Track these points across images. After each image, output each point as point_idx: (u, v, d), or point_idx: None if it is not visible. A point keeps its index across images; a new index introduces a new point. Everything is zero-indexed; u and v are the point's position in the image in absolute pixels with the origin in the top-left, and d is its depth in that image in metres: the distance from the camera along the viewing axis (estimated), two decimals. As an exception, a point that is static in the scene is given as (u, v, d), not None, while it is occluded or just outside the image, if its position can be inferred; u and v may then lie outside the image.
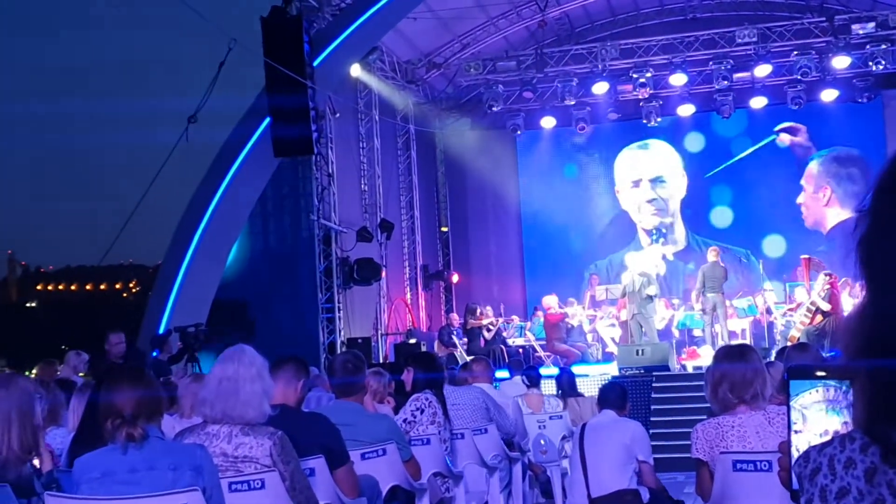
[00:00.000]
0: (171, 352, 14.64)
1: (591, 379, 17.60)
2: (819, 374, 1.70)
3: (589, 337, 22.35)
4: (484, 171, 25.26)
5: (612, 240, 24.87)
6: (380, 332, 22.40)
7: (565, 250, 24.97)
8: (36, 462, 4.90)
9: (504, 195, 25.59)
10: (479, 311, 21.76)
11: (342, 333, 20.08)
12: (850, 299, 17.97)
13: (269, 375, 5.29)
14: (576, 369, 16.35)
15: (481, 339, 21.31)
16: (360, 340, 19.84)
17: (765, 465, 5.02)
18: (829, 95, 22.92)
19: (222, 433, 5.06)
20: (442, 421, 7.79)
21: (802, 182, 23.98)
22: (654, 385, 17.81)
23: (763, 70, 22.34)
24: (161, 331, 16.25)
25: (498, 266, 26.01)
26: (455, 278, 25.97)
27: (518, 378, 12.62)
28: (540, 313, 22.50)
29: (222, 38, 16.35)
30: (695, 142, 24.77)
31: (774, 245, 23.97)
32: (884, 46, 21.36)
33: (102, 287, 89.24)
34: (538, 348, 21.74)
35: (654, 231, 24.42)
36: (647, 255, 23.25)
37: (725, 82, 22.45)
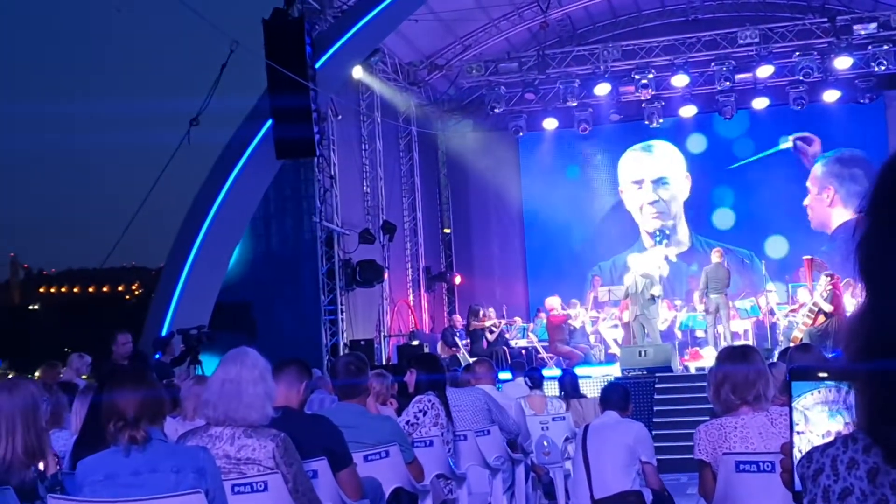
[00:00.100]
0: (174, 354, 14.63)
1: (594, 380, 17.59)
2: (821, 375, 1.70)
3: (591, 338, 22.34)
4: (486, 172, 25.26)
5: (615, 241, 24.86)
6: (382, 333, 22.41)
7: (568, 252, 24.96)
8: (40, 465, 4.89)
9: (506, 197, 25.59)
10: (481, 312, 21.75)
11: (345, 335, 20.09)
12: (853, 300, 17.96)
13: (272, 378, 5.29)
14: (578, 371, 16.34)
15: (484, 340, 21.31)
16: (362, 342, 19.84)
17: (767, 466, 5.02)
18: (831, 96, 22.92)
19: (225, 435, 5.06)
20: (445, 423, 7.79)
21: (808, 184, 23.99)
22: (656, 386, 17.81)
23: (765, 71, 22.34)
24: (163, 333, 16.25)
25: (500, 267, 26.01)
26: (457, 280, 25.96)
27: (521, 379, 12.62)
28: (542, 315, 22.49)
29: (224, 39, 16.37)
30: (697, 143, 24.77)
31: (777, 246, 23.96)
32: (886, 47, 21.37)
33: (105, 289, 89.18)
34: (541, 350, 21.74)
35: (657, 233, 24.41)
36: (650, 256, 23.24)
37: (727, 83, 22.46)
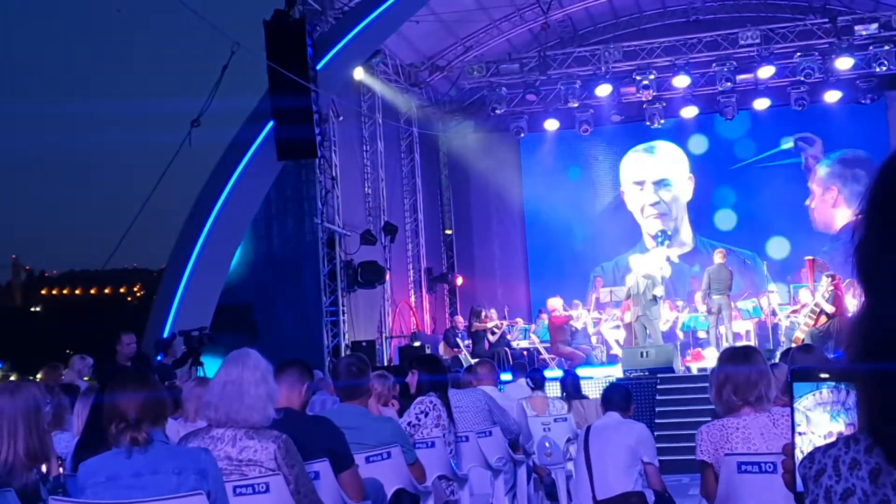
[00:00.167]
0: (176, 356, 14.63)
1: (596, 381, 17.58)
2: (822, 376, 1.70)
3: (593, 339, 22.34)
4: (487, 173, 25.26)
5: (616, 242, 24.84)
6: (384, 335, 22.41)
7: (569, 252, 24.96)
8: (43, 468, 4.89)
9: (508, 197, 25.58)
10: (483, 313, 21.76)
11: (346, 336, 20.09)
12: (854, 301, 17.95)
13: (274, 379, 5.29)
14: (580, 371, 16.34)
15: (486, 341, 21.32)
16: (364, 343, 19.85)
17: (769, 467, 5.02)
18: (832, 97, 22.93)
19: (227, 437, 5.06)
20: (446, 424, 7.79)
21: (812, 186, 23.98)
22: (658, 387, 17.81)
23: (766, 71, 22.34)
24: (165, 335, 16.24)
25: (502, 268, 26.01)
26: (459, 281, 25.96)
27: (522, 380, 12.61)
28: (544, 316, 22.49)
29: (225, 41, 16.37)
30: (698, 144, 24.77)
31: (778, 247, 23.96)
32: (887, 48, 21.36)
33: (106, 291, 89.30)
34: (542, 351, 21.74)
35: (659, 234, 24.40)
36: (652, 257, 23.23)
37: (728, 84, 22.45)
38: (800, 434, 1.71)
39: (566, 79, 23.00)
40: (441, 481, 7.67)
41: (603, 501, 7.33)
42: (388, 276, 21.87)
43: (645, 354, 18.89)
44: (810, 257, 20.75)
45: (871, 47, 21.54)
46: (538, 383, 12.10)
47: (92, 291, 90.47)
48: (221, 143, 18.66)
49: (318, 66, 18.10)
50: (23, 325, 65.67)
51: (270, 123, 17.77)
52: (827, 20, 21.84)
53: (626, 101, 23.71)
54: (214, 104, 17.09)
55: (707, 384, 5.67)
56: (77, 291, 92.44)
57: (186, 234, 18.09)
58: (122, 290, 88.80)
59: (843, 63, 21.79)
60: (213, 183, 18.21)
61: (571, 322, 21.79)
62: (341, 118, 20.39)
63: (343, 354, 18.38)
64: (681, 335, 21.72)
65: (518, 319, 23.26)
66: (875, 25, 21.19)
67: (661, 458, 7.98)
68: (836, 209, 23.61)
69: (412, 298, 24.69)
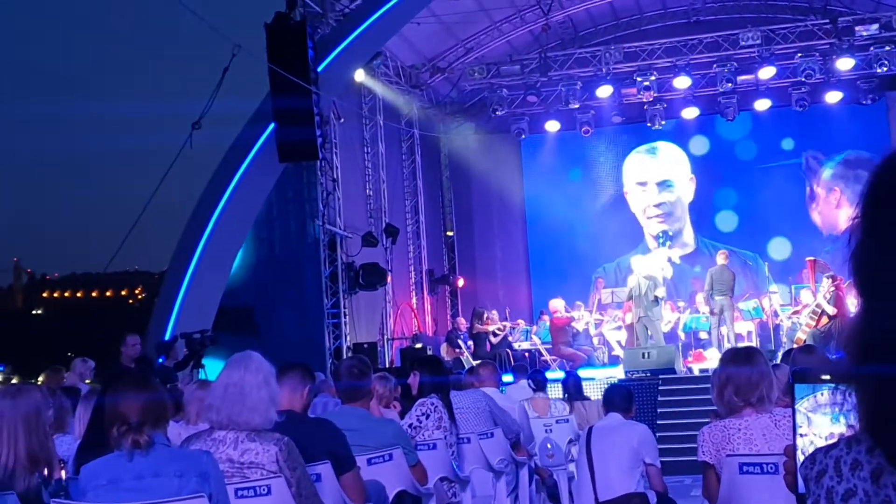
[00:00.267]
0: (177, 358, 14.63)
1: (598, 382, 17.58)
2: (824, 377, 1.70)
3: (595, 340, 22.34)
4: (489, 175, 25.26)
5: (618, 243, 24.82)
6: (386, 336, 22.40)
7: (571, 254, 24.93)
8: (45, 471, 4.89)
9: (509, 199, 25.58)
10: (485, 315, 21.76)
11: (348, 338, 20.09)
12: (856, 302, 17.95)
13: (276, 381, 5.29)
14: (582, 373, 16.33)
15: (487, 343, 21.32)
16: (365, 345, 19.83)
17: (771, 468, 5.01)
18: (833, 97, 22.94)
19: (228, 439, 5.06)
20: (448, 425, 7.79)
21: (817, 189, 23.94)
22: (660, 388, 17.81)
23: (767, 72, 22.34)
24: (167, 337, 16.24)
25: (503, 270, 26.00)
26: (461, 282, 25.95)
27: (524, 382, 12.60)
28: (546, 317, 22.49)
29: (226, 43, 16.38)
30: (699, 144, 24.76)
31: (779, 248, 23.95)
32: (887, 48, 21.35)
33: (108, 294, 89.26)
34: (544, 352, 21.74)
35: (661, 234, 24.38)
36: (654, 258, 23.22)
37: (729, 85, 22.44)
38: (801, 435, 1.71)
39: (567, 80, 23.00)
40: (443, 483, 7.67)
41: (605, 502, 7.32)
42: (389, 278, 21.86)
43: (646, 355, 18.89)
44: (811, 258, 20.76)
45: (871, 48, 21.54)
46: (540, 385, 12.10)
47: (93, 294, 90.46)
48: (223, 145, 18.69)
49: (319, 68, 18.10)
50: (24, 328, 65.66)
51: (271, 125, 17.77)
52: (827, 21, 21.84)
53: (627, 102, 23.70)
54: (216, 106, 17.12)
55: (709, 385, 5.67)
56: (78, 294, 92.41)
57: (188, 237, 18.09)
58: (123, 293, 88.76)
59: (844, 64, 21.79)
60: (215, 185, 18.21)
61: (573, 323, 21.79)
62: (342, 120, 20.38)
63: (344, 356, 18.37)
64: (682, 336, 21.71)
65: (520, 321, 23.27)
66: (876, 26, 21.19)
67: (663, 459, 7.98)
68: (839, 210, 23.59)
69: (413, 300, 24.68)
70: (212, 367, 13.85)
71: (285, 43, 17.37)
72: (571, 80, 23.00)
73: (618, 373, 19.33)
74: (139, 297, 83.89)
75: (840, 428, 1.67)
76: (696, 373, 19.48)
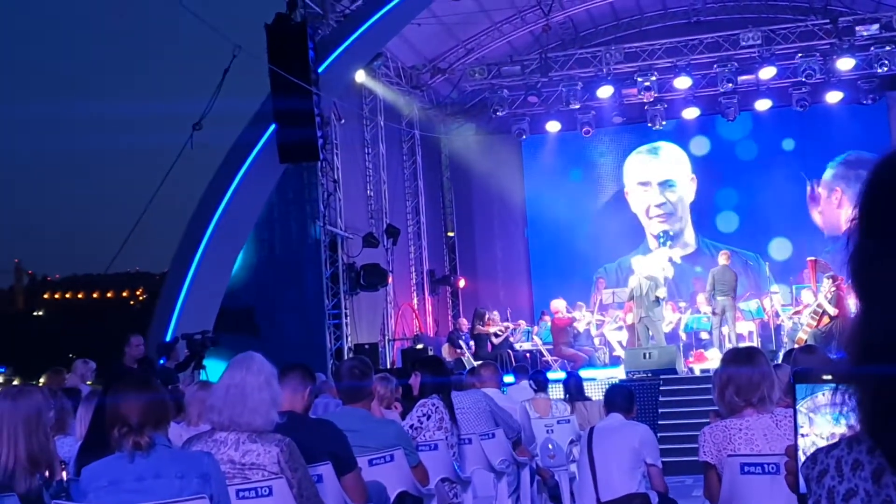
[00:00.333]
0: (178, 359, 14.63)
1: (599, 383, 17.59)
2: (825, 378, 1.70)
3: (596, 341, 22.33)
4: (489, 175, 25.25)
5: (619, 243, 24.80)
6: (387, 337, 22.40)
7: (572, 254, 24.91)
8: (45, 472, 4.90)
9: (510, 199, 25.57)
10: (486, 316, 21.76)
11: (349, 339, 20.07)
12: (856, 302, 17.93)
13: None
14: (583, 373, 16.33)
15: (488, 343, 21.31)
16: (367, 346, 19.83)
17: (772, 468, 5.01)
18: (833, 97, 22.94)
19: (230, 440, 5.06)
20: (449, 426, 7.79)
21: (819, 190, 23.90)
22: (661, 388, 17.80)
23: (767, 72, 22.34)
24: (168, 338, 16.24)
25: (504, 270, 26.00)
26: (461, 283, 25.95)
27: (525, 382, 12.61)
28: (547, 318, 22.49)
29: (227, 44, 16.39)
30: (700, 145, 24.75)
31: (780, 248, 23.94)
32: (888, 48, 21.35)
33: (109, 295, 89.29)
34: (545, 353, 21.73)
35: (662, 234, 24.37)
36: (655, 258, 23.21)
37: (730, 85, 22.44)
38: (803, 435, 1.71)
39: (567, 80, 23.01)
40: (444, 484, 7.67)
41: (606, 503, 7.32)
42: (390, 279, 21.85)
43: (648, 356, 18.89)
44: (812, 258, 20.75)
45: (872, 48, 21.54)
46: (541, 385, 12.10)
47: (94, 295, 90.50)
48: (223, 146, 18.69)
49: (320, 69, 18.10)
50: (25, 330, 65.69)
51: (272, 126, 17.77)
52: (828, 21, 21.84)
53: (628, 102, 23.71)
54: (216, 107, 17.12)
55: (710, 385, 5.67)
56: (80, 295, 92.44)
57: (189, 238, 18.09)
58: (124, 294, 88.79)
59: (845, 64, 21.80)
60: (216, 186, 18.21)
61: (574, 324, 21.79)
62: (343, 121, 20.38)
63: (346, 357, 18.37)
64: (683, 336, 21.70)
65: (521, 321, 23.26)
66: (876, 26, 21.19)
67: (664, 459, 7.99)
68: (840, 210, 23.58)
69: (414, 301, 24.69)
70: (213, 369, 13.84)
71: (286, 44, 17.38)
72: (572, 81, 23.01)
73: (619, 373, 19.33)
74: (140, 298, 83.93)
75: (841, 428, 1.67)
76: (698, 373, 19.47)
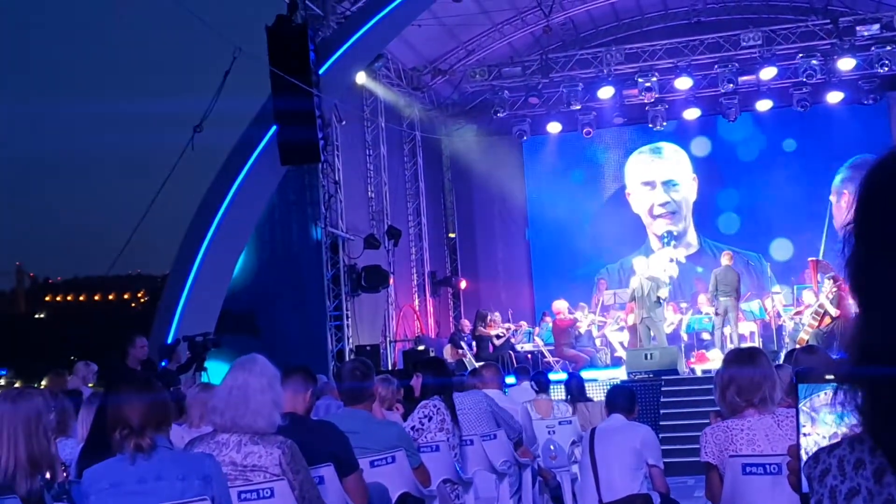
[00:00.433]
0: (180, 361, 14.62)
1: (600, 384, 17.59)
2: (827, 377, 1.70)
3: (597, 342, 22.33)
4: (490, 176, 25.25)
5: (621, 244, 24.78)
6: (388, 339, 22.39)
7: (573, 255, 24.91)
8: (47, 474, 4.89)
9: (511, 201, 25.58)
10: (488, 317, 21.75)
11: (350, 341, 20.07)
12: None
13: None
14: (585, 374, 16.34)
15: (490, 345, 21.31)
16: (368, 348, 19.82)
17: (774, 468, 5.01)
18: (834, 98, 22.93)
19: (231, 442, 5.06)
20: (450, 427, 7.78)
21: (830, 198, 23.84)
22: (662, 389, 17.80)
23: (768, 73, 22.34)
24: (169, 340, 16.24)
25: (505, 271, 25.99)
26: (463, 284, 25.96)
27: (527, 384, 12.60)
28: (548, 319, 22.48)
29: (227, 46, 16.40)
30: (701, 145, 24.75)
31: (782, 248, 23.93)
32: (889, 48, 21.34)
33: (111, 297, 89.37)
34: (547, 354, 21.73)
35: (665, 234, 24.38)
36: (658, 258, 23.20)
37: (731, 85, 22.45)
38: (805, 435, 1.71)
39: (568, 81, 23.02)
40: (446, 485, 7.66)
41: (609, 504, 7.32)
42: (391, 280, 21.84)
43: (649, 356, 18.89)
44: (814, 258, 20.75)
45: (872, 48, 21.54)
46: (542, 386, 12.08)
47: (96, 297, 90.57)
48: (224, 147, 18.68)
49: (321, 71, 18.11)
50: (27, 332, 65.73)
51: (273, 128, 17.77)
52: (829, 21, 21.83)
53: (629, 103, 23.73)
54: (217, 109, 17.13)
55: (711, 386, 5.67)
56: (81, 298, 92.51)
57: (190, 240, 18.09)
58: (126, 296, 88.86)
59: (845, 64, 21.80)
60: (217, 188, 18.21)
61: (576, 324, 21.80)
62: (344, 122, 20.38)
63: (347, 359, 18.38)
64: (685, 337, 21.71)
65: (522, 323, 23.26)
66: (877, 26, 21.19)
67: (666, 460, 7.98)
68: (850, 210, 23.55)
69: (416, 302, 24.69)
70: (214, 370, 13.84)
71: (286, 45, 17.37)
72: (573, 82, 23.02)
73: (620, 374, 19.33)
74: (142, 300, 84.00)
75: (843, 428, 1.67)
76: (699, 374, 19.48)
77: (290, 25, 17.65)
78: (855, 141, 23.13)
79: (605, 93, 23.09)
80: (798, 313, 20.38)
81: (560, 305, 21.83)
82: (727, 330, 20.16)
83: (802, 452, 1.70)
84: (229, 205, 17.91)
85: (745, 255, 23.69)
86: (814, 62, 21.82)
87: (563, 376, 16.09)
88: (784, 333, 20.94)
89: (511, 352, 21.37)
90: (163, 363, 14.32)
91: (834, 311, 18.48)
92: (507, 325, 22.20)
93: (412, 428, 7.68)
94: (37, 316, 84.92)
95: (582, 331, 21.91)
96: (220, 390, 5.23)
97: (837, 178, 23.85)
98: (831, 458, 1.58)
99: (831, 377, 1.70)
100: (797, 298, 21.46)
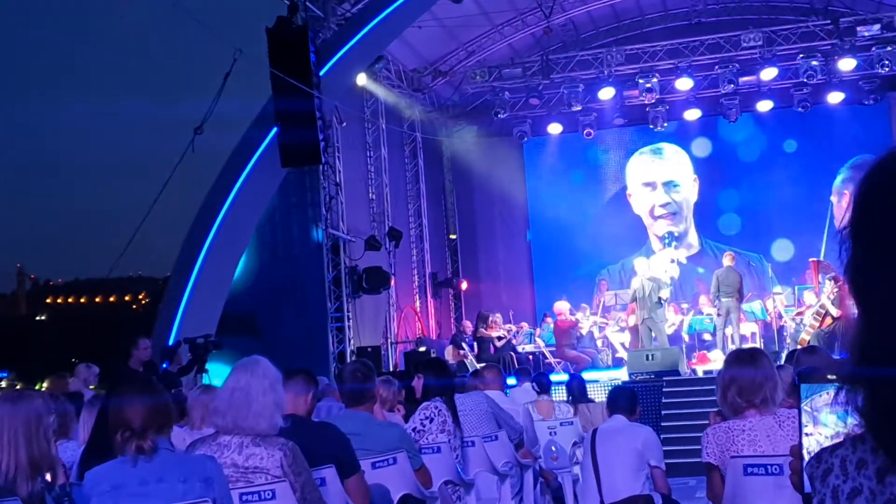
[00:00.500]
0: (181, 363, 14.61)
1: (601, 385, 17.58)
2: (830, 377, 1.70)
3: (599, 343, 22.32)
4: (491, 178, 25.25)
5: (622, 244, 24.77)
6: (389, 340, 22.39)
7: (574, 256, 24.90)
8: (48, 477, 4.89)
9: (512, 201, 25.57)
10: (490, 318, 21.74)
11: (351, 342, 20.06)
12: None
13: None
14: (586, 375, 16.35)
15: (491, 346, 21.30)
16: (369, 349, 19.82)
17: (776, 469, 5.01)
18: (835, 98, 22.92)
19: (233, 444, 5.06)
20: (452, 429, 7.78)
21: (831, 198, 23.84)
22: (664, 390, 17.79)
23: (769, 73, 22.34)
24: (170, 342, 16.24)
25: (506, 273, 25.98)
26: (464, 285, 25.96)
27: (528, 385, 12.60)
28: (549, 319, 22.48)
29: (228, 48, 16.40)
30: (702, 146, 24.74)
31: (783, 249, 23.92)
32: (889, 48, 21.34)
33: (112, 299, 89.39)
34: (548, 355, 21.72)
35: (666, 235, 24.37)
36: (659, 259, 23.20)
37: (731, 86, 22.44)
38: (807, 435, 1.71)
39: (569, 82, 23.02)
40: (447, 486, 7.66)
41: (610, 505, 7.32)
42: (392, 282, 21.84)
43: (650, 357, 18.89)
44: (815, 259, 20.74)
45: (873, 48, 21.54)
46: (544, 387, 12.08)
47: (97, 300, 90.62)
48: (225, 149, 18.68)
49: (321, 72, 18.11)
50: (28, 334, 65.73)
51: (274, 130, 17.77)
52: (829, 21, 21.83)
53: (630, 104, 23.73)
54: (218, 111, 17.13)
55: (713, 387, 5.67)
56: (82, 300, 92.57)
57: (191, 242, 18.10)
58: (127, 298, 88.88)
59: (846, 64, 21.79)
60: (218, 190, 18.22)
61: (578, 326, 21.80)
62: (344, 124, 20.38)
63: (348, 360, 18.38)
64: (686, 338, 21.71)
65: (523, 324, 23.25)
66: (877, 26, 21.18)
67: (667, 460, 7.97)
68: (849, 210, 23.51)
69: (417, 304, 24.68)
70: (215, 372, 13.83)
71: (287, 47, 17.38)
72: (573, 83, 23.02)
73: (622, 375, 19.33)
74: (143, 302, 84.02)
75: (845, 428, 1.67)
76: (700, 374, 19.47)
77: (290, 27, 17.65)
78: (856, 141, 23.12)
79: (606, 94, 23.09)
80: (799, 314, 20.39)
81: (562, 306, 21.83)
82: (729, 330, 20.15)
83: (805, 452, 1.70)
84: (230, 206, 17.92)
85: (746, 256, 23.68)
86: (814, 63, 21.83)
87: (565, 377, 16.09)
88: (785, 334, 20.94)
89: (512, 353, 21.35)
90: (164, 365, 14.32)
91: (835, 312, 18.47)
92: (508, 325, 22.19)
93: (413, 429, 7.68)
94: (38, 318, 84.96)
95: (583, 332, 21.90)
96: (221, 392, 5.23)
97: (838, 179, 23.82)
98: (833, 457, 1.58)
99: (833, 377, 1.70)
100: (798, 299, 21.45)
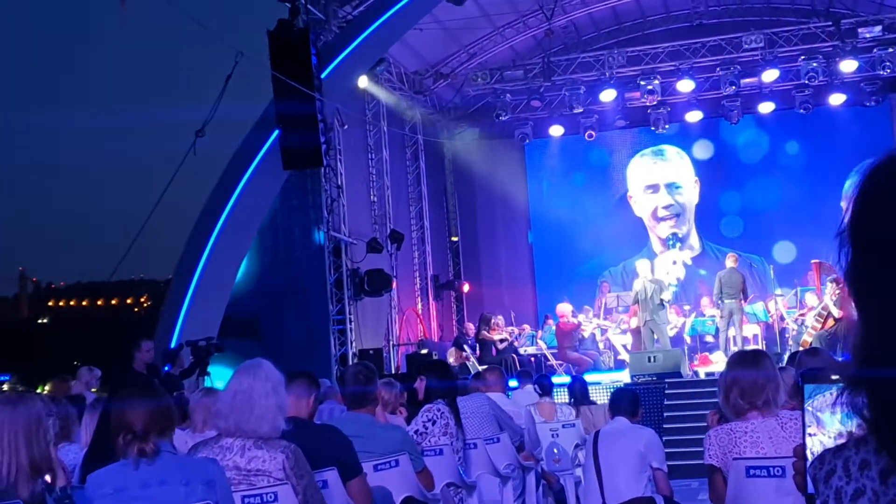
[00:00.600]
0: (183, 366, 14.62)
1: (604, 387, 17.59)
2: (832, 378, 1.70)
3: (600, 345, 22.31)
4: (493, 179, 25.26)
5: (623, 246, 24.77)
6: (391, 342, 22.39)
7: (576, 258, 24.91)
8: (48, 478, 4.89)
9: (513, 203, 25.57)
10: (492, 320, 21.73)
11: (353, 345, 20.06)
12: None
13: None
14: (588, 377, 16.34)
15: (493, 348, 21.29)
16: (371, 352, 19.82)
17: (778, 471, 5.01)
18: (836, 100, 22.91)
19: (235, 446, 5.06)
20: (454, 431, 7.78)
21: (842, 204, 23.80)
22: (666, 392, 17.78)
23: (770, 75, 22.33)
24: (172, 345, 16.23)
25: (508, 275, 25.98)
26: (466, 288, 25.95)
27: (530, 387, 12.60)
28: (551, 322, 22.47)
29: (229, 51, 16.40)
30: (703, 148, 24.73)
31: (785, 251, 23.91)
32: (891, 50, 21.34)
33: (114, 302, 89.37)
34: (550, 357, 21.71)
35: (671, 237, 24.36)
36: (662, 261, 23.20)
37: (733, 88, 22.44)
38: (810, 435, 1.71)
39: (570, 84, 23.02)
40: (450, 489, 7.66)
41: (612, 507, 7.31)
42: (394, 284, 21.83)
43: (652, 359, 18.88)
44: (816, 260, 20.72)
45: (875, 50, 21.54)
46: (546, 389, 12.08)
47: (99, 303, 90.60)
48: (226, 152, 18.68)
49: (323, 75, 18.10)
50: (30, 337, 65.70)
51: (275, 132, 17.77)
52: (830, 23, 21.83)
53: (631, 106, 23.72)
54: (219, 114, 17.13)
55: (715, 389, 5.67)
56: (84, 303, 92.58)
57: (193, 245, 18.09)
58: (128, 301, 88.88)
59: (848, 66, 21.78)
60: (219, 192, 18.21)
61: (580, 328, 21.79)
62: (346, 126, 20.39)
63: (350, 363, 18.38)
64: (688, 340, 21.70)
65: (525, 326, 23.24)
66: (879, 28, 21.18)
67: (670, 462, 7.97)
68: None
69: (419, 306, 24.68)
70: (217, 375, 13.85)
71: (288, 50, 17.37)
72: (575, 85, 23.02)
73: (624, 377, 19.32)
74: (144, 305, 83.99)
75: (849, 428, 1.67)
76: (702, 376, 19.45)
77: (291, 30, 17.65)
78: (857, 143, 23.10)
79: (607, 96, 23.08)
80: (801, 315, 20.37)
81: (564, 308, 21.82)
82: (732, 332, 20.15)
83: (808, 453, 1.70)
84: (232, 209, 17.91)
85: (748, 258, 23.64)
86: (816, 64, 21.81)
87: (567, 379, 16.08)
88: (787, 336, 20.92)
89: (514, 355, 21.33)
90: (166, 368, 14.32)
91: (837, 313, 18.46)
92: (510, 328, 22.19)
93: (416, 432, 7.68)
94: (40, 321, 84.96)
95: (585, 334, 21.89)
96: (224, 395, 5.23)
97: (847, 184, 23.78)
98: (837, 459, 1.58)
99: (836, 378, 1.70)
100: (800, 301, 21.42)
